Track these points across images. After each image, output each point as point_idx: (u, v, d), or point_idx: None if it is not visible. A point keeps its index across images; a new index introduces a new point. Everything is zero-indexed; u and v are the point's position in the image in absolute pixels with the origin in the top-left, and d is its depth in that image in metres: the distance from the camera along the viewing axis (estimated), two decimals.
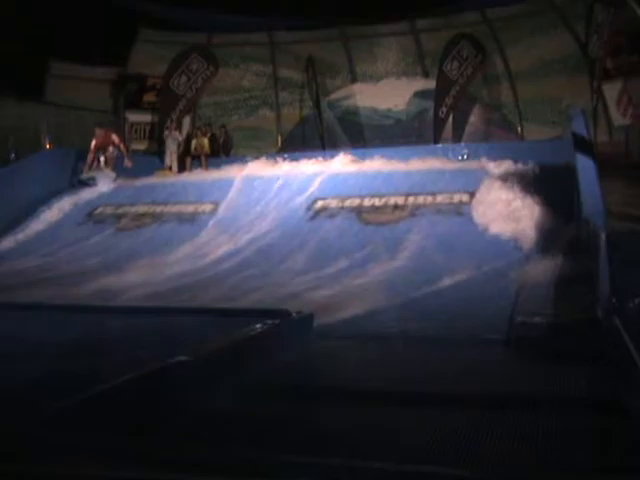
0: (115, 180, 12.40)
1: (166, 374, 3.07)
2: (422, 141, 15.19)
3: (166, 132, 14.88)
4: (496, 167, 10.26)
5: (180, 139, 14.59)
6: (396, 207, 9.62)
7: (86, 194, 11.88)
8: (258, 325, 4.15)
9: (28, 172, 12.15)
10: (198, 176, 13.00)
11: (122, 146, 12.80)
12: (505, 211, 8.57)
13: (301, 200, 10.34)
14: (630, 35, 13.51)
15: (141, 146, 16.76)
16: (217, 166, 13.31)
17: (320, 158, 12.47)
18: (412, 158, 11.51)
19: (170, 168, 14.11)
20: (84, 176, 12.35)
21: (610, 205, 7.28)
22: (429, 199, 9.68)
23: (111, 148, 12.55)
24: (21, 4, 13.52)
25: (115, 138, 12.70)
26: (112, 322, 4.75)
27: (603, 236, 5.53)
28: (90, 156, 12.37)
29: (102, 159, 12.34)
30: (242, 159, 13.29)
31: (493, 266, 7.01)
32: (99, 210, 11.29)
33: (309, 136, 16.88)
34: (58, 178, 12.38)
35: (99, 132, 12.46)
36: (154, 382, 2.99)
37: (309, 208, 10.10)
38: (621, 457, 2.48)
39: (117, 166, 12.67)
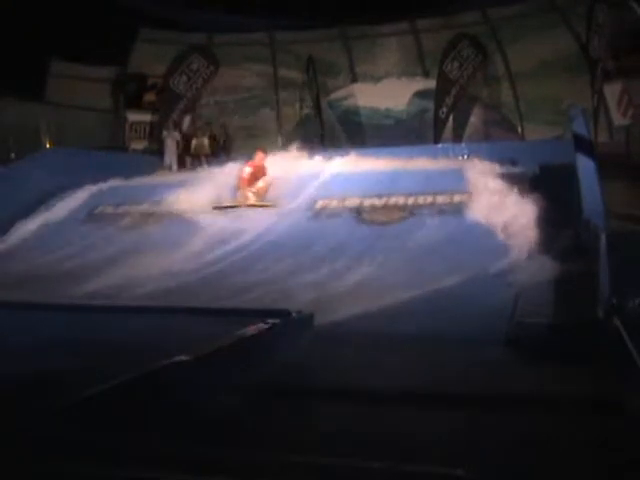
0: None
1: (166, 374, 3.07)
2: (422, 141, 15.18)
3: (165, 132, 14.91)
4: (496, 167, 10.26)
5: (178, 138, 14.61)
6: (396, 207, 9.62)
7: (85, 194, 11.86)
8: (258, 325, 4.15)
9: (28, 172, 12.15)
10: (199, 175, 12.95)
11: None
12: (505, 211, 8.57)
13: (301, 200, 10.32)
14: (630, 35, 13.50)
15: (140, 146, 16.77)
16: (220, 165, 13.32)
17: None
18: (412, 158, 11.50)
19: (170, 167, 14.14)
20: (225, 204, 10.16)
21: (610, 205, 7.27)
22: (429, 199, 9.67)
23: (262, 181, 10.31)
24: (21, 4, 13.51)
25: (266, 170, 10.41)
26: (112, 322, 4.75)
27: (603, 236, 5.53)
28: (242, 189, 10.14)
29: (250, 194, 10.08)
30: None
31: (493, 266, 7.00)
32: (99, 210, 11.28)
33: (309, 136, 16.88)
34: (58, 178, 12.36)
35: (260, 156, 10.29)
36: (154, 382, 2.99)
37: (309, 208, 10.09)
38: (621, 457, 2.48)
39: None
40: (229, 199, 10.33)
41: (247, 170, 10.23)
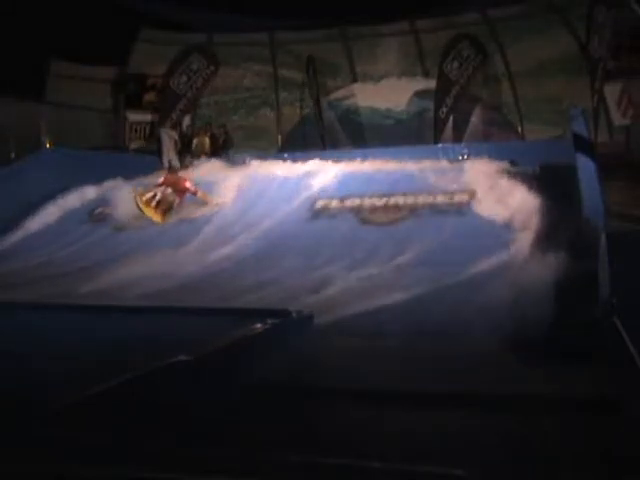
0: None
1: (166, 374, 3.07)
2: (422, 141, 15.18)
3: (162, 131, 14.83)
4: (496, 167, 10.25)
5: (176, 137, 14.56)
6: (396, 207, 9.62)
7: (85, 194, 11.87)
8: (258, 325, 4.15)
9: (28, 172, 12.15)
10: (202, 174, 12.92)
11: (198, 194, 10.68)
12: (505, 211, 8.57)
13: (301, 200, 10.32)
14: (630, 35, 13.51)
15: (140, 146, 16.77)
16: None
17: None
18: (412, 158, 11.50)
19: (170, 167, 13.99)
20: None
21: (610, 205, 7.27)
22: (429, 199, 9.67)
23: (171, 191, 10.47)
24: (21, 4, 13.51)
25: (190, 186, 10.66)
26: (112, 322, 4.75)
27: (603, 236, 5.53)
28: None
29: (158, 196, 10.37)
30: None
31: (493, 266, 7.00)
32: (99, 210, 11.28)
33: (309, 136, 16.87)
34: (58, 178, 12.37)
35: (169, 177, 10.78)
36: (154, 382, 2.99)
37: (309, 208, 10.09)
38: (621, 457, 2.48)
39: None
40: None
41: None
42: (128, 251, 9.17)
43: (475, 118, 16.38)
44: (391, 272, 7.26)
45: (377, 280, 6.97)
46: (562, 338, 4.60)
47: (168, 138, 14.44)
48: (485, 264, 7.04)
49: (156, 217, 10.30)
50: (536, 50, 15.91)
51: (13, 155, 13.57)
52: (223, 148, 15.03)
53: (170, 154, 14.23)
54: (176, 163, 14.07)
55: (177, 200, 10.56)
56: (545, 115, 15.98)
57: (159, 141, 14.92)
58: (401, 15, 16.92)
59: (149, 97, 17.05)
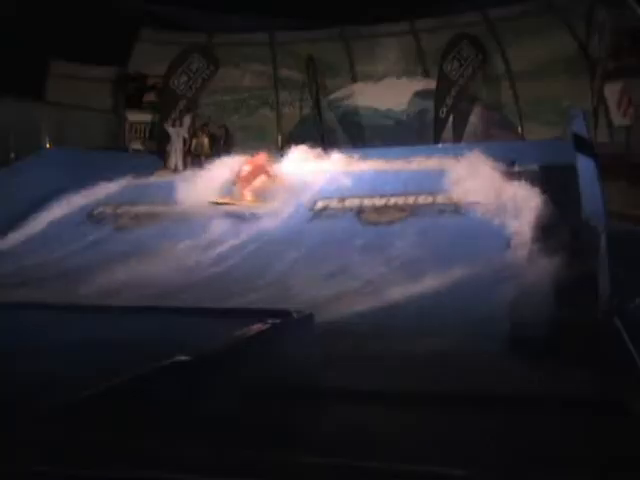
0: None
1: (166, 374, 3.07)
2: (422, 141, 15.18)
3: (171, 129, 14.64)
4: (496, 167, 10.26)
5: (186, 135, 14.41)
6: (396, 207, 9.62)
7: (85, 194, 11.87)
8: (258, 325, 4.15)
9: (28, 172, 12.15)
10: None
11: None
12: (505, 211, 8.58)
13: (301, 200, 10.32)
14: (630, 35, 13.50)
15: (140, 146, 16.75)
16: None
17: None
18: (412, 158, 11.51)
19: (176, 168, 13.86)
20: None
21: (610, 205, 7.28)
22: (429, 199, 9.68)
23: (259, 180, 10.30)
24: (21, 4, 13.50)
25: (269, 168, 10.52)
26: (112, 322, 4.75)
27: (603, 236, 5.53)
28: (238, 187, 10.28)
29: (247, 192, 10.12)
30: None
31: (493, 266, 7.01)
32: (99, 210, 11.29)
33: (309, 136, 16.86)
34: (58, 178, 12.37)
35: (261, 156, 10.61)
36: (154, 382, 2.98)
37: (310, 208, 10.09)
38: (621, 457, 2.47)
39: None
40: (225, 196, 10.37)
41: (245, 168, 10.25)
42: (128, 251, 9.18)
43: (475, 118, 16.37)
44: (391, 272, 7.26)
45: (377, 280, 6.97)
46: (562, 338, 4.61)
47: (177, 136, 14.26)
48: (485, 264, 7.04)
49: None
50: (536, 50, 15.92)
51: (13, 155, 13.55)
52: (224, 148, 15.01)
53: (178, 155, 14.01)
54: (181, 165, 13.95)
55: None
56: (545, 115, 15.99)
57: (163, 140, 14.78)
58: (401, 15, 16.92)
59: (149, 97, 17.03)
